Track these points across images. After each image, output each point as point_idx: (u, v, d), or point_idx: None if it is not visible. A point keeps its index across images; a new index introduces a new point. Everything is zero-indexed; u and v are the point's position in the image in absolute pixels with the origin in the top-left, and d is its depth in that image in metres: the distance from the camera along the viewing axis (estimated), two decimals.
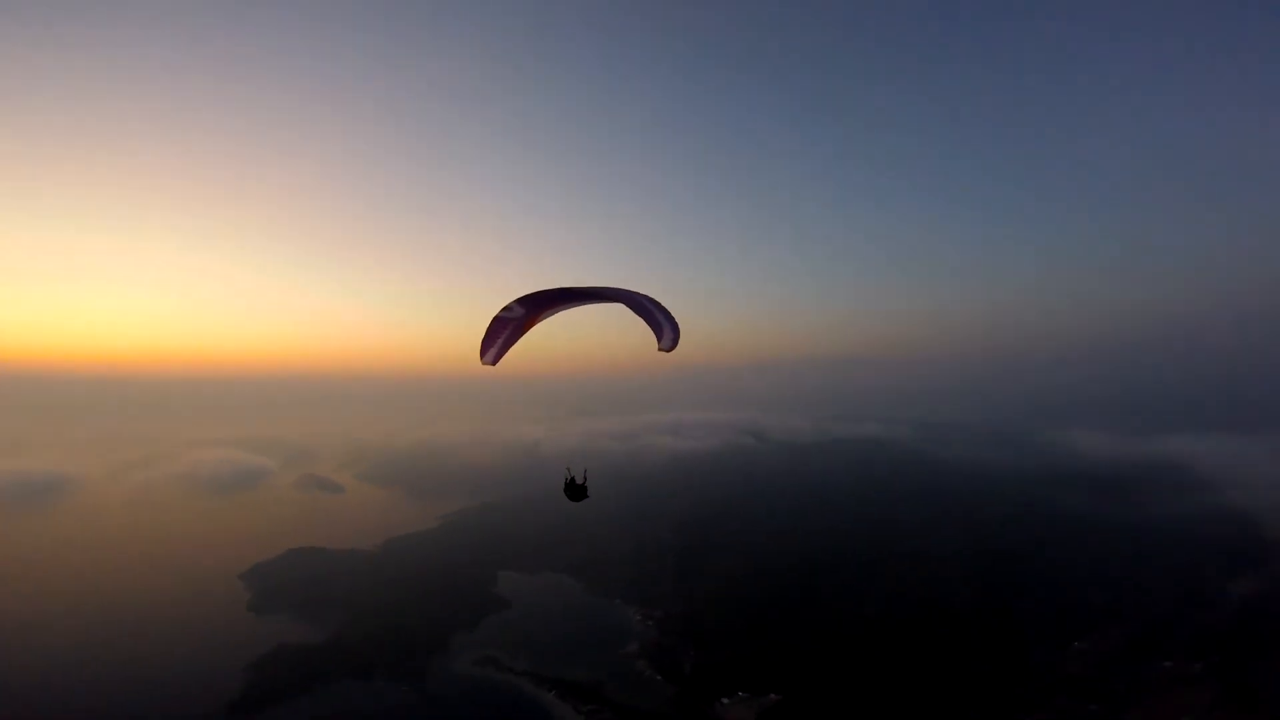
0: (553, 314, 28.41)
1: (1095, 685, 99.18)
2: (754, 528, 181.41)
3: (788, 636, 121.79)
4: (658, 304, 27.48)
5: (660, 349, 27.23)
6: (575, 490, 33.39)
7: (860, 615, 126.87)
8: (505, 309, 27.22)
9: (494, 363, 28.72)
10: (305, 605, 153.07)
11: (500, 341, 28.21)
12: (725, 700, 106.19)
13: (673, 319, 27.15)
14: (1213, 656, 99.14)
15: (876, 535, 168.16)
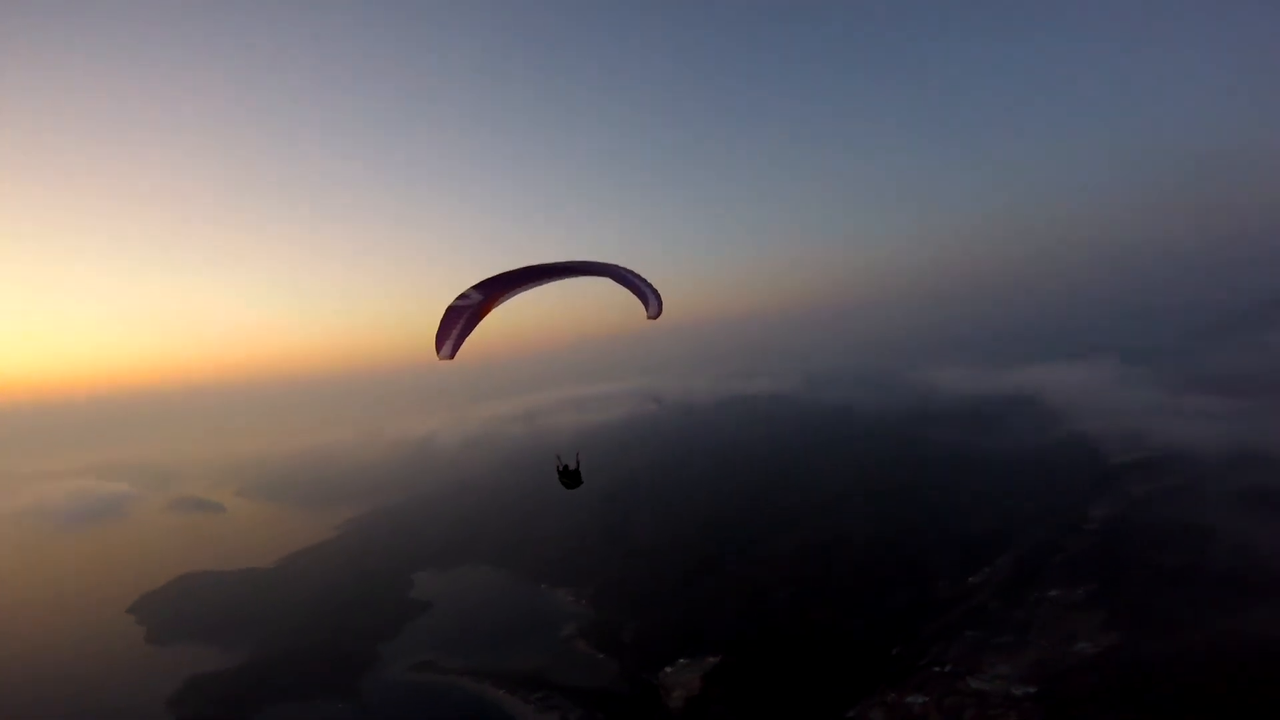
0: (511, 296, 26.84)
1: (998, 616, 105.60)
2: (668, 493, 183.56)
3: (715, 595, 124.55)
4: (632, 272, 26.84)
5: (649, 317, 27.51)
6: (570, 476, 31.98)
7: (775, 564, 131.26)
8: (460, 296, 25.76)
9: (451, 356, 27.39)
10: (209, 632, 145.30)
11: (455, 332, 26.88)
12: (669, 669, 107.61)
13: (652, 285, 27.08)
14: (1091, 582, 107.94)
15: (780, 485, 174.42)
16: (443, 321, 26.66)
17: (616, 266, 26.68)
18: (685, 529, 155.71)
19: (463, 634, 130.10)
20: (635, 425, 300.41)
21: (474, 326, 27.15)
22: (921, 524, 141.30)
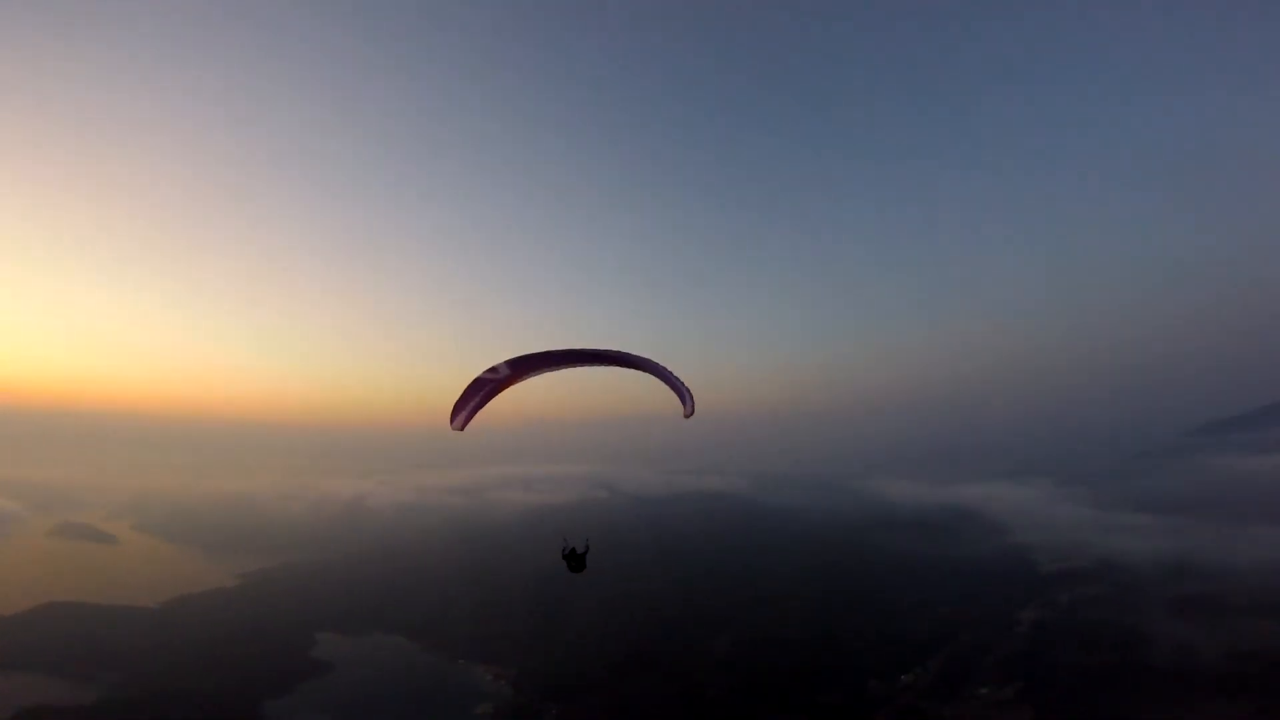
0: (535, 376, 26.83)
1: (929, 713, 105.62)
2: (608, 580, 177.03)
3: (647, 689, 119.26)
4: (667, 369, 27.42)
5: (685, 415, 27.85)
6: (576, 560, 31.55)
7: (712, 660, 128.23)
8: (490, 370, 26.13)
9: (462, 428, 27.39)
10: (61, 664, 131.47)
11: (474, 404, 26.89)
12: None
13: (685, 385, 27.79)
14: (1018, 681, 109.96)
15: (723, 581, 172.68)
16: (465, 391, 26.53)
17: (654, 362, 27.14)
18: (622, 618, 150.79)
19: (363, 700, 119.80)
20: (582, 510, 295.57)
21: (488, 401, 27.01)
22: (859, 626, 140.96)
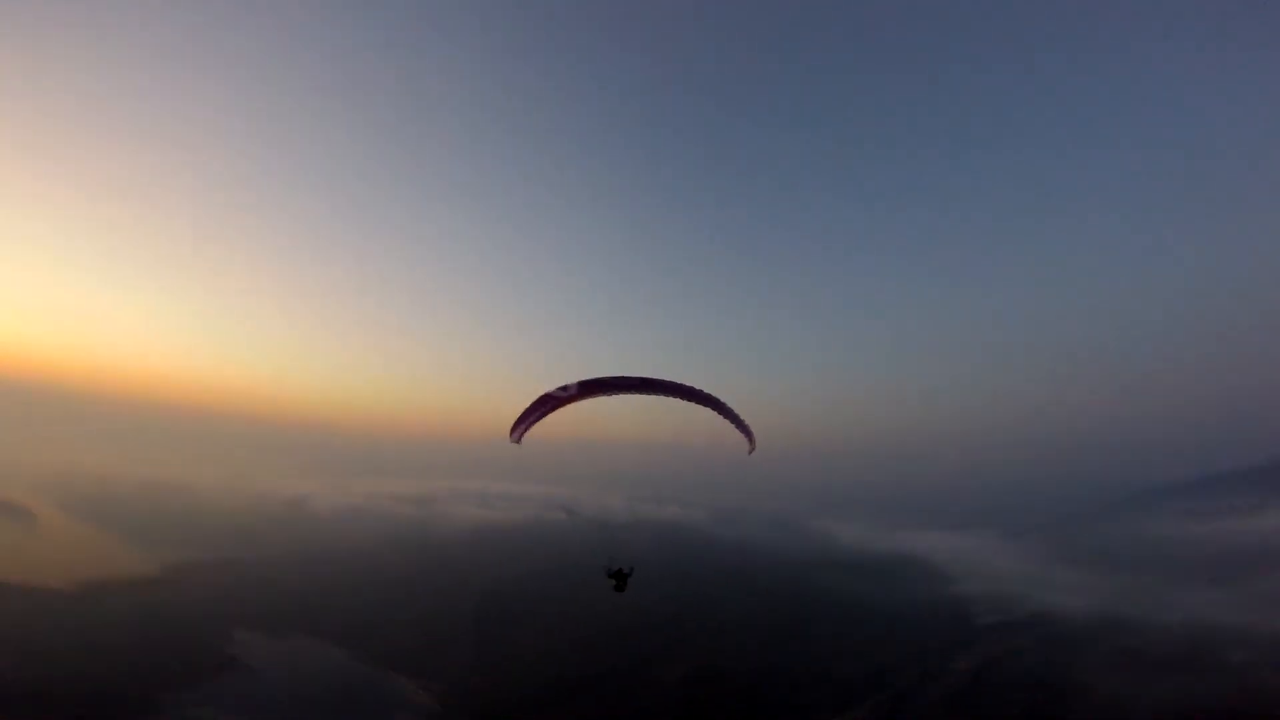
0: (595, 397, 27.94)
1: None
2: (558, 602, 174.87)
3: (590, 711, 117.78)
4: (729, 406, 28.57)
5: (749, 452, 29.74)
6: (621, 580, 32.98)
7: (660, 686, 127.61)
8: (561, 388, 27.20)
9: (519, 440, 28.69)
10: None
11: (535, 419, 28.06)
12: None
13: (746, 423, 29.35)
14: None
15: (674, 610, 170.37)
16: (532, 405, 27.66)
17: (717, 398, 28.45)
18: (566, 643, 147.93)
19: (274, 701, 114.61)
20: (537, 530, 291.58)
21: (546, 416, 27.97)
22: (801, 663, 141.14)
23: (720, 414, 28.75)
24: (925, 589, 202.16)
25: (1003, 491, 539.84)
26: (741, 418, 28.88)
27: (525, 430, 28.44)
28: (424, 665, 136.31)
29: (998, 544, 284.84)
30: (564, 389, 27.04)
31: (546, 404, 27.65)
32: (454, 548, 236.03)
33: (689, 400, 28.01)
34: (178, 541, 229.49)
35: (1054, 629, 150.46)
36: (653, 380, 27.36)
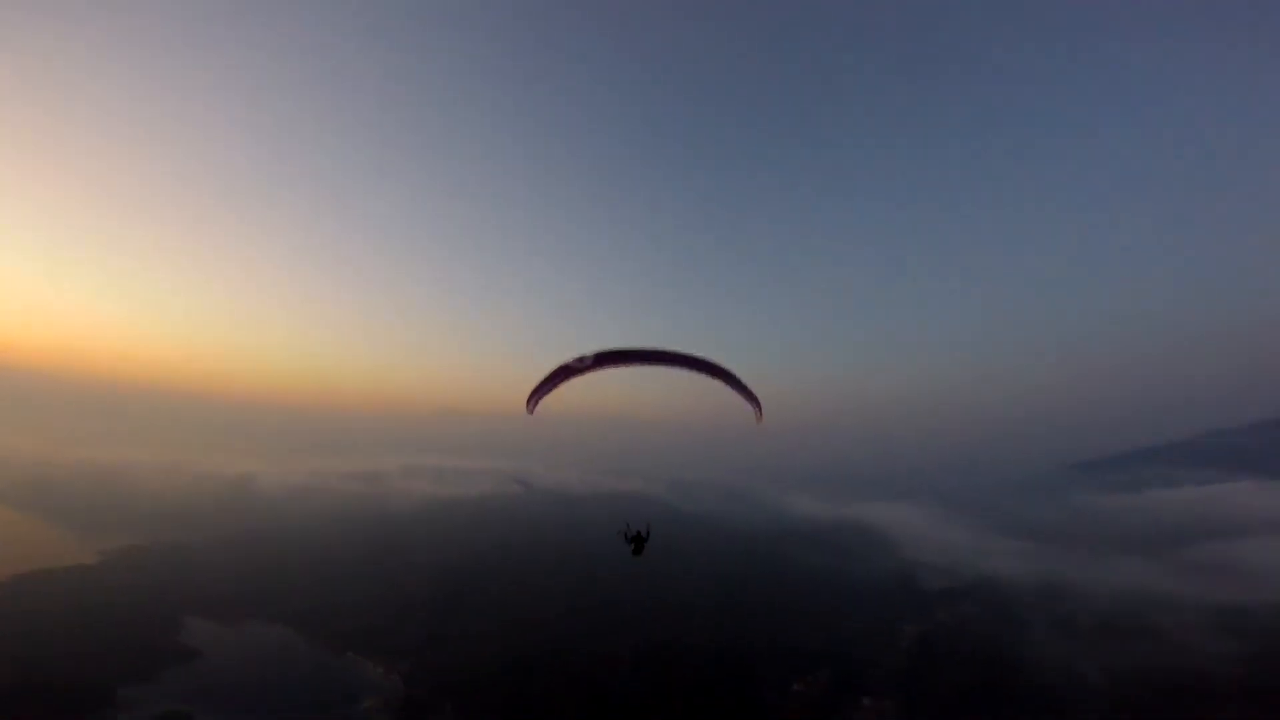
0: (612, 369, 28.06)
1: None
2: (517, 577, 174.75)
3: (550, 688, 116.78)
4: (739, 378, 28.98)
5: (759, 421, 30.12)
6: (638, 543, 32.64)
7: (618, 661, 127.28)
8: (577, 359, 27.50)
9: (533, 412, 29.13)
10: None
11: (549, 390, 28.41)
12: None
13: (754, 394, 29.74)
14: (899, 694, 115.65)
15: (634, 583, 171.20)
16: (548, 377, 27.88)
17: (729, 370, 28.76)
18: (528, 616, 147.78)
19: (235, 690, 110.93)
20: (491, 505, 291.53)
21: (558, 386, 28.24)
22: (757, 632, 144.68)
23: (729, 385, 29.22)
24: (875, 558, 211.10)
25: (944, 464, 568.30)
26: (751, 389, 29.48)
27: (539, 401, 28.70)
28: (386, 646, 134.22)
29: (941, 513, 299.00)
30: (580, 360, 27.26)
31: (562, 375, 27.93)
32: (407, 525, 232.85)
33: (699, 372, 28.36)
34: (117, 527, 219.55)
35: (996, 596, 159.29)
36: (666, 352, 27.70)
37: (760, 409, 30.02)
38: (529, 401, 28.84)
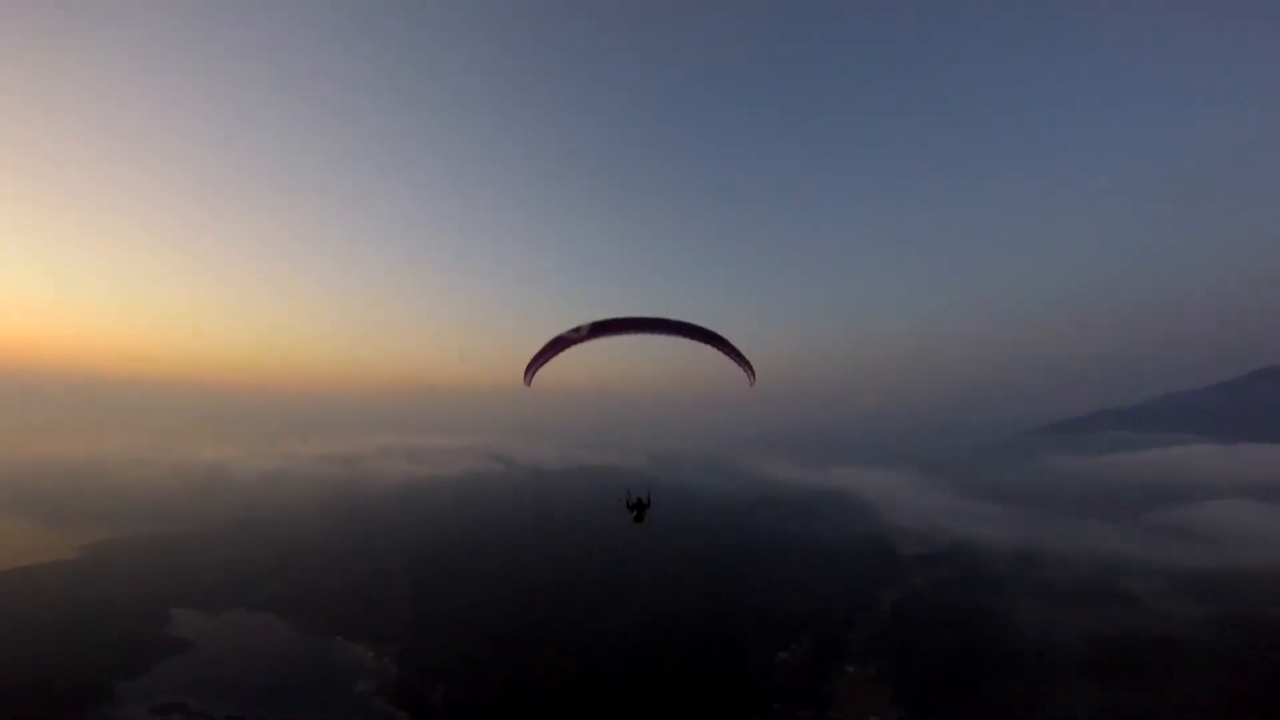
0: (607, 337, 28.45)
1: (802, 692, 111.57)
2: (501, 554, 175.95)
3: (541, 665, 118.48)
4: (733, 344, 29.54)
5: (752, 386, 30.77)
6: (640, 510, 33.46)
7: (607, 636, 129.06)
8: (573, 330, 27.74)
9: (529, 384, 29.69)
10: None
11: (545, 361, 28.82)
12: None
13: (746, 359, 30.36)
14: (881, 660, 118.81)
15: (618, 555, 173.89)
16: (545, 348, 28.24)
17: (721, 336, 29.28)
18: (514, 594, 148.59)
19: (228, 680, 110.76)
20: (475, 483, 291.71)
21: (554, 356, 28.68)
22: (741, 602, 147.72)
23: (723, 351, 29.83)
24: (855, 523, 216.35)
25: (917, 428, 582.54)
26: (744, 355, 30.30)
27: (535, 372, 29.28)
28: (374, 630, 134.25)
29: (917, 478, 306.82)
30: (576, 331, 27.67)
31: (558, 346, 28.35)
32: (387, 507, 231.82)
33: (693, 338, 28.92)
34: (94, 521, 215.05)
35: (972, 560, 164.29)
36: (661, 320, 28.20)
37: (754, 374, 30.72)
38: (526, 373, 29.29)
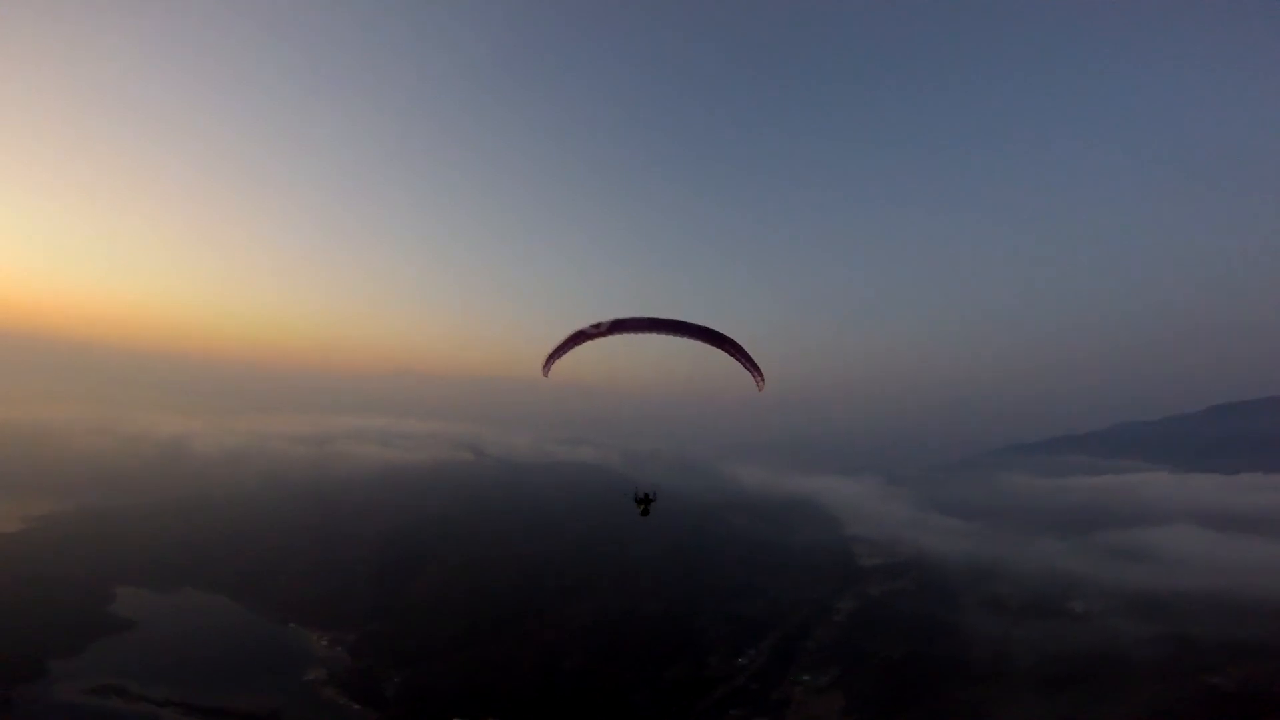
0: (621, 334, 29.35)
1: (758, 697, 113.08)
2: (466, 544, 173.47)
3: (502, 657, 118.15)
4: (743, 348, 30.79)
5: (760, 389, 32.05)
6: (646, 504, 35.39)
7: (570, 630, 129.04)
8: (594, 325, 28.82)
9: (547, 375, 31.35)
10: None
11: (563, 353, 30.13)
12: None
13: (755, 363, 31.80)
14: (835, 669, 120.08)
15: (585, 551, 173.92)
16: (565, 341, 29.42)
17: (733, 339, 30.66)
18: (479, 582, 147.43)
19: (171, 662, 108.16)
20: (440, 471, 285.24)
21: (572, 349, 30.07)
22: (704, 603, 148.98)
23: (734, 355, 31.01)
24: (818, 531, 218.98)
25: (886, 441, 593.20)
26: (753, 358, 31.67)
27: (553, 364, 30.70)
28: (330, 616, 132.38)
29: (880, 489, 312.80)
30: (596, 326, 28.65)
31: (577, 339, 29.49)
32: (352, 490, 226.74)
33: (707, 342, 30.10)
34: (41, 491, 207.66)
35: (929, 573, 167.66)
36: (679, 322, 29.27)
37: (762, 378, 31.92)
38: (545, 364, 30.80)
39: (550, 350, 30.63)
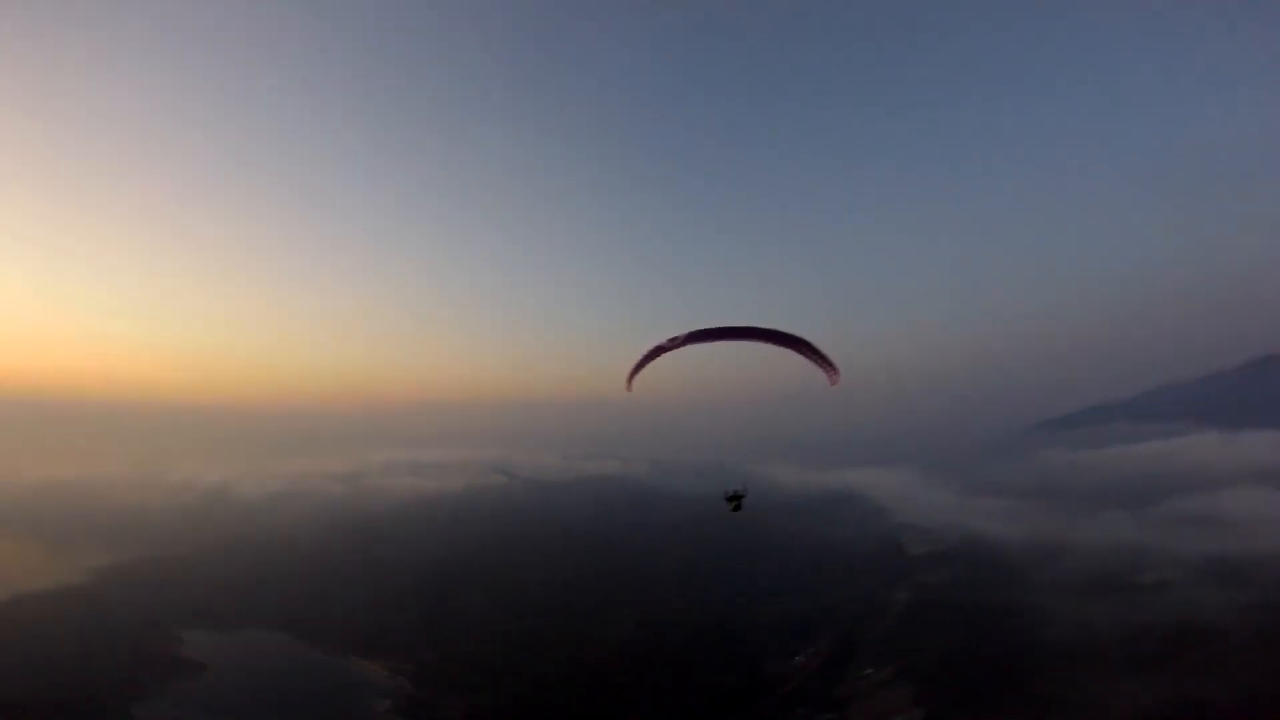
0: (703, 344, 30.11)
1: (822, 696, 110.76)
2: (507, 567, 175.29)
3: (553, 676, 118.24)
4: (814, 345, 31.21)
5: (833, 385, 32.10)
6: (737, 500, 36.17)
7: (617, 644, 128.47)
8: (670, 339, 29.78)
9: (630, 390, 32.41)
10: None
11: (644, 367, 31.41)
12: None
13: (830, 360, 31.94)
14: (899, 660, 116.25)
15: (623, 565, 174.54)
16: (645, 356, 30.64)
17: (803, 339, 30.97)
18: (521, 605, 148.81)
19: (248, 700, 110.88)
20: (474, 496, 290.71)
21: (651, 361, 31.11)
22: (753, 607, 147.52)
23: (806, 354, 31.46)
24: (862, 524, 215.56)
25: (914, 429, 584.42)
26: (826, 354, 31.89)
27: (635, 378, 31.99)
28: (387, 646, 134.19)
29: (920, 477, 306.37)
30: (673, 339, 29.78)
31: (656, 353, 30.65)
32: (392, 523, 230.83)
33: (779, 344, 30.70)
34: (98, 544, 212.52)
35: (981, 556, 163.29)
36: (751, 328, 29.90)
37: (837, 373, 32.16)
38: (629, 379, 32.14)
39: (632, 366, 31.89)
